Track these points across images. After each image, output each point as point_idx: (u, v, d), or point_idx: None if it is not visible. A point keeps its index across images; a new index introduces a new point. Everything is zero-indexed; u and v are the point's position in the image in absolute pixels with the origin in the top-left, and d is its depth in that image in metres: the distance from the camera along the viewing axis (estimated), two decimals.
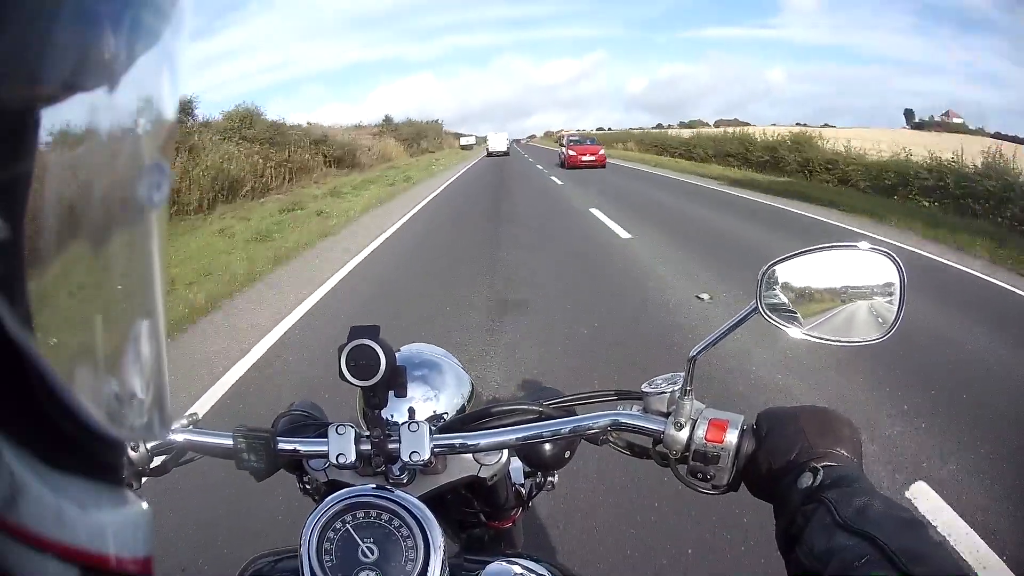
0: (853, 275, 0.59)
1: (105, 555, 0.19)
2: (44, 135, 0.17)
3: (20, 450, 0.17)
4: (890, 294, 0.58)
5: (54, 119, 0.17)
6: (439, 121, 53.14)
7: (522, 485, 0.87)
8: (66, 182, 0.18)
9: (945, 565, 0.40)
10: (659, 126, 67.13)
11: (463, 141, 57.56)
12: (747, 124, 41.78)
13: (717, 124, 52.12)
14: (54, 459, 0.18)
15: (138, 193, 0.20)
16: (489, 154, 37.04)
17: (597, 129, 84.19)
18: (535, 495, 0.88)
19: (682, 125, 59.38)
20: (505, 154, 37.12)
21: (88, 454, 0.19)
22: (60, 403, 0.17)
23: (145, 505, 0.22)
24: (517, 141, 78.92)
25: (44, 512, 0.17)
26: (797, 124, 35.26)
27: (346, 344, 0.58)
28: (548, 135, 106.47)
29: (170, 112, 0.21)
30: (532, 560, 0.63)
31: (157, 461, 0.66)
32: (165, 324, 0.23)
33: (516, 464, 0.83)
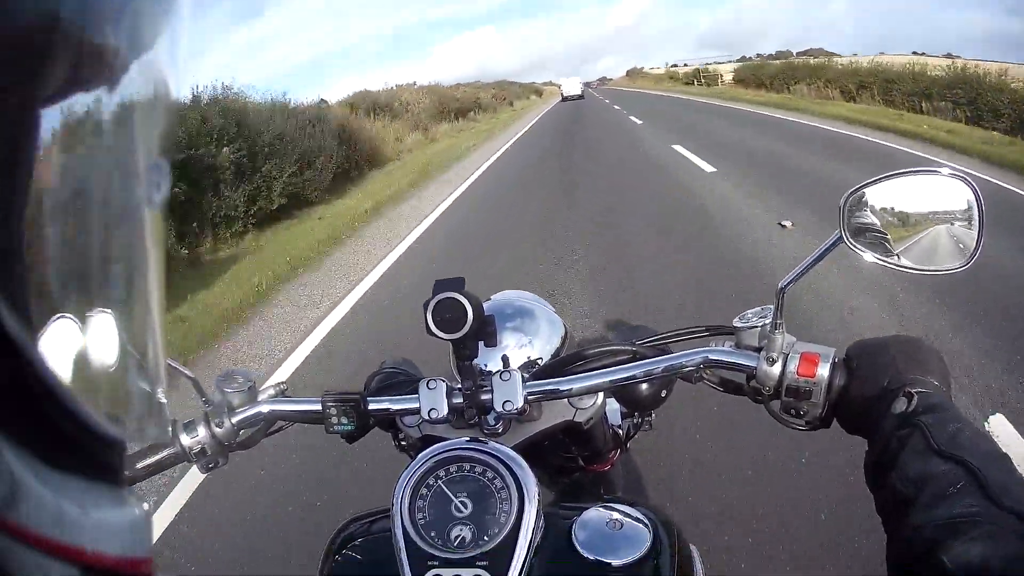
0: (933, 201, 0.56)
1: (105, 555, 0.19)
2: (44, 134, 0.17)
3: (20, 450, 0.17)
4: (969, 220, 0.55)
5: (54, 118, 0.17)
6: None
7: (619, 427, 0.86)
8: (66, 182, 0.18)
9: None
10: (743, 59, 56.28)
11: None
12: (833, 54, 32.39)
13: (799, 55, 40.93)
14: (54, 459, 0.18)
15: (138, 192, 0.20)
16: (564, 99, 35.74)
17: (672, 67, 71.80)
18: (633, 436, 0.87)
19: (762, 58, 46.97)
20: (580, 97, 35.54)
21: (88, 454, 0.19)
22: (60, 403, 0.17)
23: (146, 505, 0.22)
24: (588, 84, 70.05)
25: (44, 512, 0.17)
26: (915, 52, 26.94)
27: (431, 299, 0.58)
28: (632, 74, 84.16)
29: (171, 111, 0.21)
30: (629, 505, 0.60)
31: (244, 435, 0.65)
32: (164, 323, 0.23)
33: (613, 406, 0.82)
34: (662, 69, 74.00)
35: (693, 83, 38.81)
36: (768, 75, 26.04)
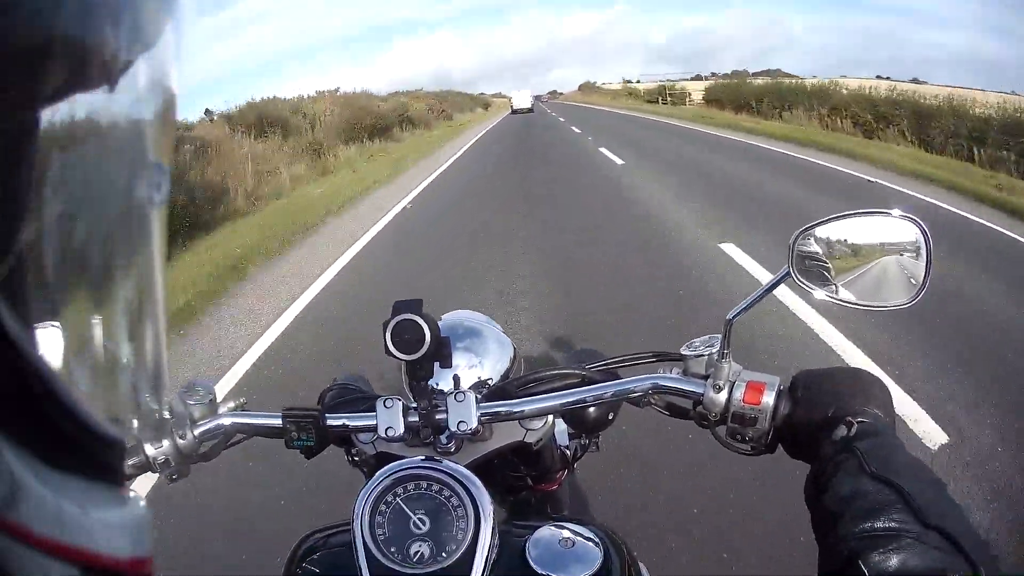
0: (883, 241, 0.59)
1: (105, 555, 0.19)
2: (44, 135, 0.17)
3: (20, 450, 0.17)
4: (917, 260, 0.58)
5: (54, 119, 0.17)
6: None
7: (567, 447, 0.87)
8: (66, 182, 0.18)
9: (962, 526, 0.40)
10: (698, 77, 55.64)
11: None
12: (792, 76, 32.91)
13: (756, 75, 39.91)
14: (54, 459, 0.18)
15: (138, 192, 0.21)
16: (513, 111, 35.31)
17: (628, 82, 68.49)
18: (580, 457, 0.89)
19: (716, 77, 45.74)
20: (529, 111, 34.93)
21: (88, 454, 0.19)
22: (60, 403, 0.17)
23: (145, 505, 0.22)
24: (539, 98, 64.70)
25: (44, 512, 0.17)
26: (878, 76, 27.88)
27: (390, 320, 0.59)
28: (586, 89, 76.52)
29: (170, 111, 0.21)
30: (579, 523, 0.62)
31: (205, 447, 0.65)
32: (166, 323, 0.22)
33: (561, 427, 0.83)
34: (618, 84, 70.94)
35: (657, 101, 35.03)
36: (751, 95, 22.29)
